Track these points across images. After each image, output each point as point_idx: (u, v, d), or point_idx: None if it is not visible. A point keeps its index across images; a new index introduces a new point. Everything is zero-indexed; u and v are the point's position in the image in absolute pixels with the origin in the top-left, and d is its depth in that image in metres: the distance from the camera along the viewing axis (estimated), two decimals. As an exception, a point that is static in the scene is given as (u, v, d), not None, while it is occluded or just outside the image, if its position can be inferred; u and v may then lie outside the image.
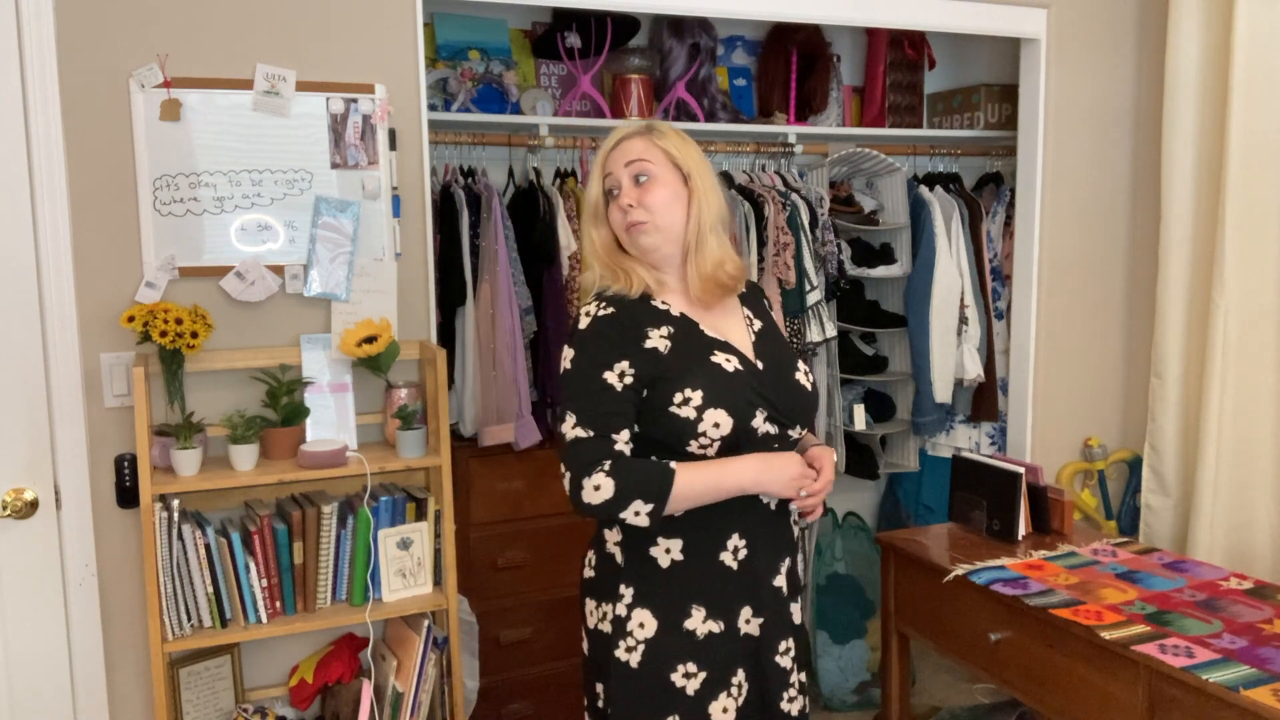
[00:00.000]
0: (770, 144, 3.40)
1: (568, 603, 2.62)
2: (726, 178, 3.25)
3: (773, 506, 1.75)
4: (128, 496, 2.23)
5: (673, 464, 1.64)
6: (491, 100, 3.09)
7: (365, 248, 2.38)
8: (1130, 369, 3.36)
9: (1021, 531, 2.63)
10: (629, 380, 1.67)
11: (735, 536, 1.72)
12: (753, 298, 1.91)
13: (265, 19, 2.28)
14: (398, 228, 2.42)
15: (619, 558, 1.74)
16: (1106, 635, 2.03)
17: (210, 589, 2.15)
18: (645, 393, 1.68)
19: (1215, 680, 1.83)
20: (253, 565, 2.18)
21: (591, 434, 1.64)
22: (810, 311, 3.11)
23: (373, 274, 2.39)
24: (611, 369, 1.67)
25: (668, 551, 1.71)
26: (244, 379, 2.30)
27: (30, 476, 2.17)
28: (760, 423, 1.70)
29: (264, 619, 2.20)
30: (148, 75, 2.20)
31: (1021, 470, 2.63)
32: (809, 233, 3.12)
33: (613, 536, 1.76)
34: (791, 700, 1.78)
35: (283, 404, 2.27)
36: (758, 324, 1.84)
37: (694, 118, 3.28)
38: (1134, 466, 3.35)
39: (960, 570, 2.42)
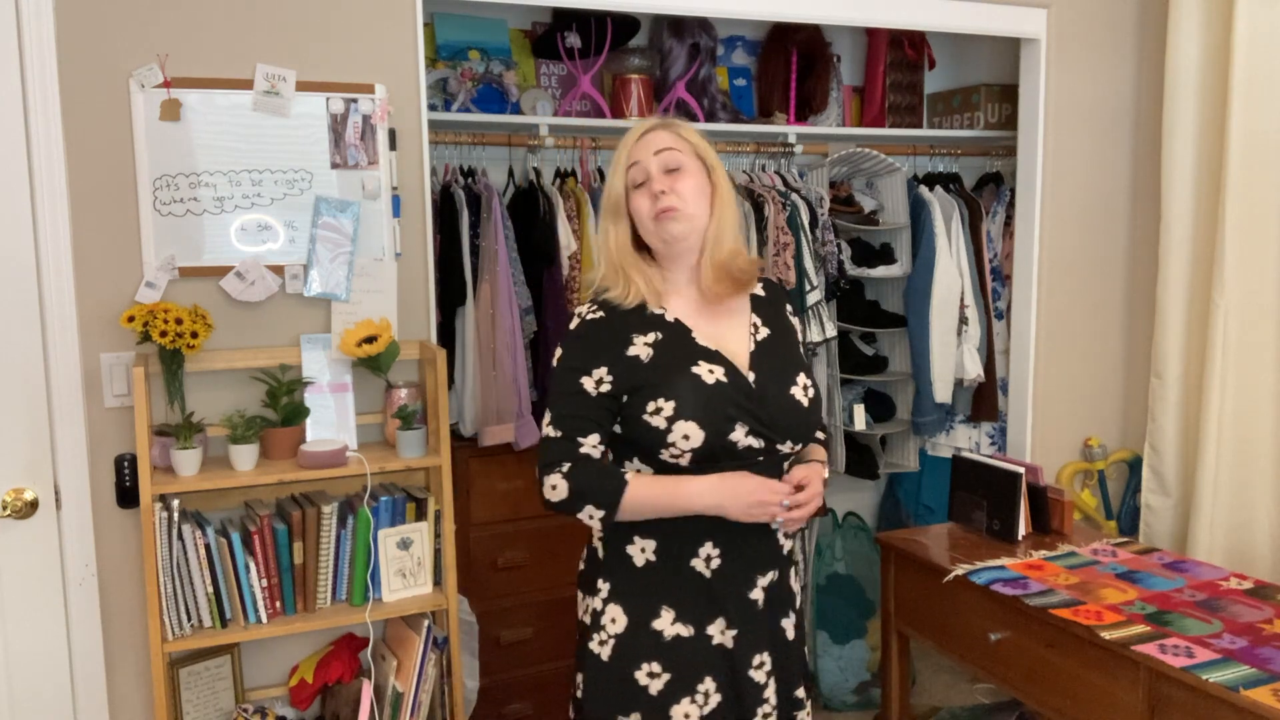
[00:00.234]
0: (770, 144, 3.40)
1: (568, 603, 2.61)
2: (726, 178, 3.25)
3: (793, 529, 1.74)
4: (128, 496, 2.23)
5: (629, 475, 1.68)
6: (491, 100, 3.09)
7: (365, 248, 2.38)
8: (1130, 369, 3.36)
9: (1021, 531, 2.63)
10: (605, 388, 1.69)
11: (709, 545, 1.70)
12: (772, 303, 1.86)
13: (265, 19, 2.28)
14: (398, 228, 2.42)
15: (601, 553, 1.77)
16: (1106, 635, 2.03)
17: (210, 589, 2.15)
18: (626, 398, 1.70)
19: (1215, 680, 1.83)
20: (253, 565, 2.18)
21: (559, 435, 1.69)
22: (810, 311, 3.11)
23: (373, 274, 2.39)
24: (590, 374, 1.70)
25: (643, 551, 1.73)
26: (244, 379, 2.30)
27: (30, 476, 2.17)
28: (741, 436, 1.66)
29: (264, 619, 2.20)
30: (148, 75, 2.20)
31: (1021, 470, 2.63)
32: (809, 233, 3.12)
33: (597, 531, 1.78)
34: (766, 716, 1.75)
35: (283, 404, 2.27)
36: (764, 332, 1.80)
37: (694, 118, 3.28)
38: (1134, 466, 3.35)
39: (960, 570, 2.42)
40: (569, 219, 2.97)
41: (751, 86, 3.62)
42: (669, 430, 1.66)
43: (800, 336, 1.90)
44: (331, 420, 2.34)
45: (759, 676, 1.74)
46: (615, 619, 1.72)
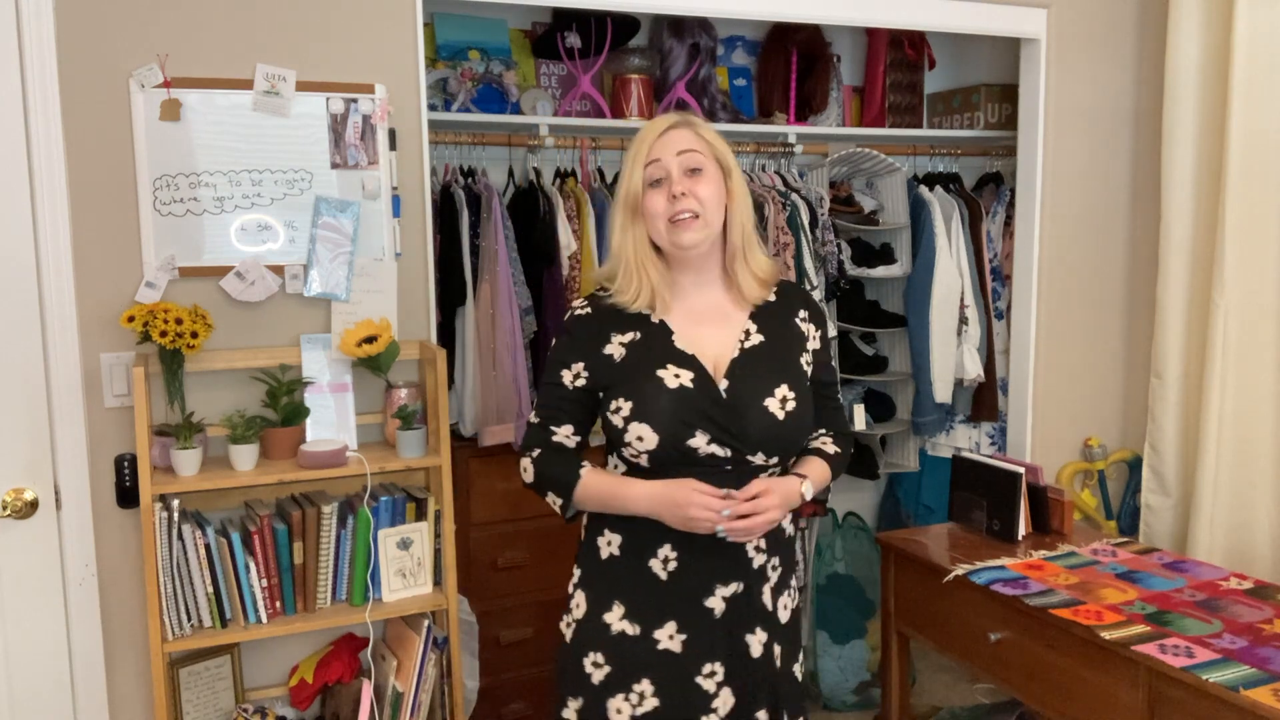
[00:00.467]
0: (770, 144, 3.40)
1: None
2: (726, 178, 3.25)
3: (737, 539, 1.69)
4: (128, 496, 2.23)
5: (584, 470, 1.74)
6: (491, 100, 3.09)
7: (365, 248, 2.38)
8: (1130, 369, 3.36)
9: (1021, 531, 2.63)
10: (580, 382, 1.75)
11: (667, 547, 1.71)
12: (781, 309, 1.82)
13: (265, 19, 2.28)
14: (398, 228, 2.42)
15: (581, 538, 1.82)
16: (1106, 635, 2.03)
17: (210, 589, 2.15)
18: (601, 395, 1.73)
19: (1215, 680, 1.83)
20: (253, 565, 2.18)
21: (537, 421, 1.79)
22: (810, 311, 3.11)
23: (373, 274, 2.39)
24: (569, 368, 1.76)
25: (609, 544, 1.76)
26: (244, 379, 2.30)
27: (30, 476, 2.17)
28: (703, 444, 1.66)
29: (264, 619, 2.20)
30: (148, 75, 2.20)
31: (1021, 470, 2.63)
32: (809, 233, 3.12)
33: (584, 518, 1.82)
34: None
35: (283, 404, 2.27)
36: (755, 339, 1.76)
37: (694, 118, 3.28)
38: (1134, 466, 3.35)
39: (960, 570, 2.42)
40: (569, 219, 2.97)
41: (751, 86, 3.62)
42: (625, 430, 1.68)
43: (817, 343, 1.83)
44: (331, 420, 2.34)
45: (708, 685, 1.71)
46: (579, 604, 1.78)
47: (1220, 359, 2.84)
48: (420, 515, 2.34)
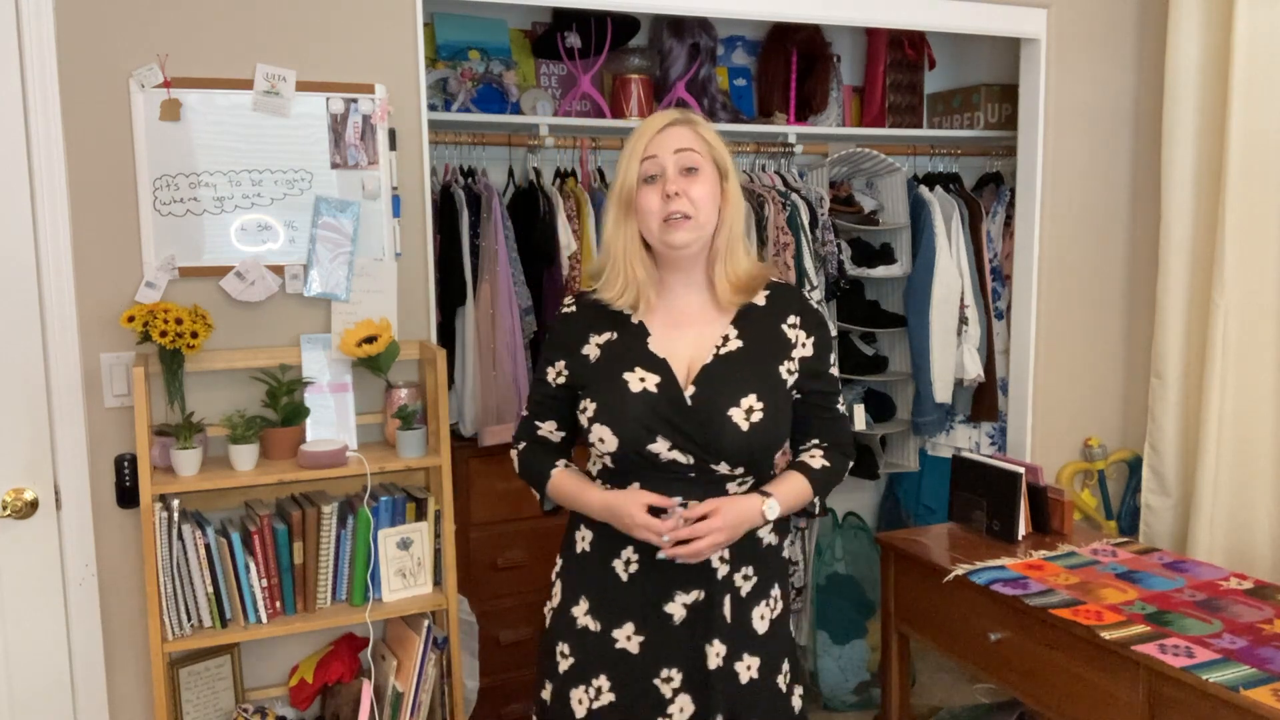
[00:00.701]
0: (770, 144, 3.40)
1: (568, 603, 2.61)
2: (726, 178, 3.25)
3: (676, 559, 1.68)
4: (128, 496, 2.23)
5: (554, 470, 1.80)
6: (491, 100, 3.09)
7: (365, 248, 2.38)
8: (1130, 369, 3.36)
9: (1021, 531, 2.63)
10: (561, 379, 1.78)
11: (629, 549, 1.72)
12: (769, 314, 1.77)
13: (265, 19, 2.28)
14: (398, 228, 2.42)
15: (566, 529, 1.85)
16: (1106, 635, 2.03)
17: (210, 589, 2.15)
18: (579, 392, 1.75)
19: (1215, 680, 1.83)
20: (253, 565, 2.18)
21: (527, 415, 1.86)
22: (810, 311, 3.10)
23: (373, 274, 2.39)
24: (553, 365, 1.79)
25: (583, 539, 1.79)
26: (244, 379, 2.30)
27: (30, 476, 2.17)
28: (663, 449, 1.65)
29: (264, 619, 2.20)
30: (148, 75, 2.20)
31: (1021, 470, 2.63)
32: (809, 233, 3.12)
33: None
34: None
35: (283, 404, 2.27)
36: (733, 345, 1.72)
37: (694, 118, 3.28)
38: (1134, 466, 3.35)
39: (960, 570, 2.42)
40: (569, 219, 2.97)
41: (751, 86, 3.62)
42: (589, 430, 1.70)
43: (808, 350, 1.77)
44: (331, 420, 2.34)
45: (664, 690, 1.71)
46: (556, 594, 1.83)
47: (1220, 359, 2.84)
48: (420, 515, 2.34)
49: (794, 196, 3.13)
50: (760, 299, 1.79)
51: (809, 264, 3.10)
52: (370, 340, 2.28)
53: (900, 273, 3.42)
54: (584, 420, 1.71)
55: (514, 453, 1.88)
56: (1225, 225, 2.81)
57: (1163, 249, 3.02)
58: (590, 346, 1.75)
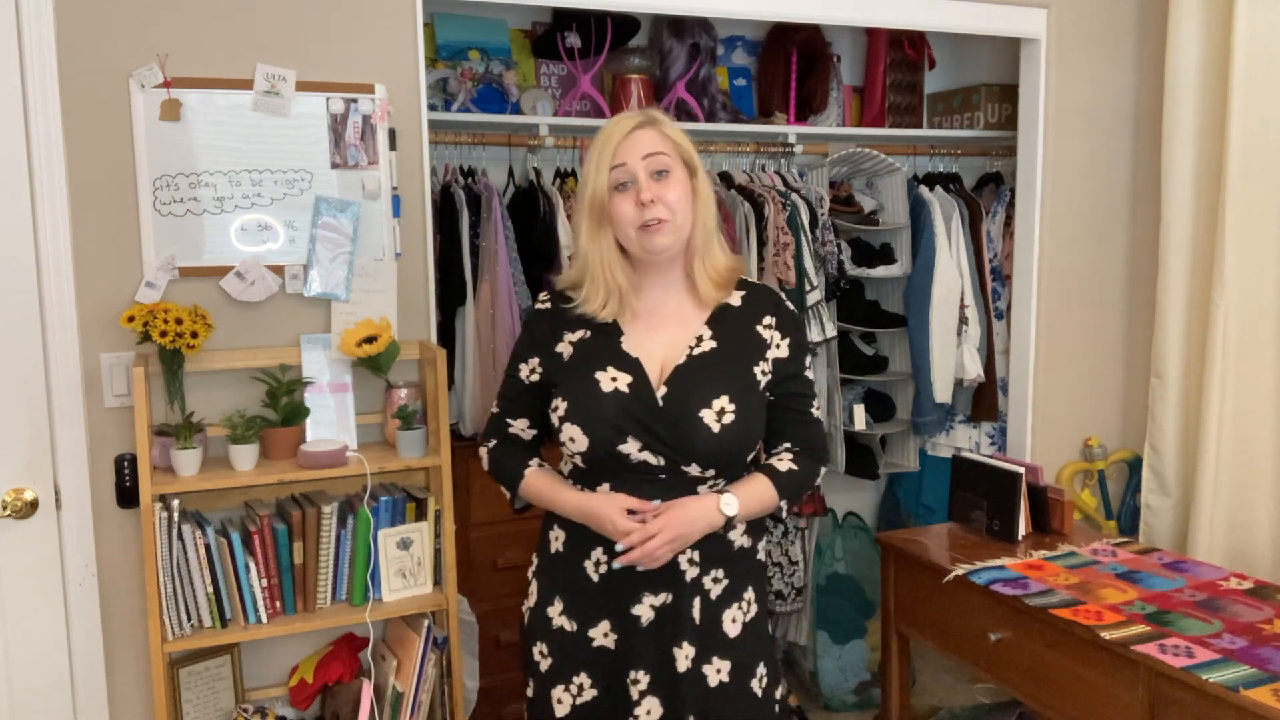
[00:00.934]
0: (770, 144, 3.40)
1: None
2: (726, 178, 3.25)
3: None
4: (128, 496, 2.23)
5: (528, 469, 1.80)
6: (491, 100, 3.09)
7: (365, 248, 2.38)
8: (1130, 369, 3.36)
9: (1021, 531, 2.63)
10: (535, 377, 1.78)
11: (599, 550, 1.71)
12: (745, 314, 1.77)
13: (265, 19, 2.28)
14: (398, 228, 2.42)
15: (541, 528, 1.85)
16: (1106, 635, 2.03)
17: (210, 589, 2.15)
18: (552, 390, 1.74)
19: (1215, 680, 1.83)
20: (253, 565, 2.18)
21: (497, 412, 1.85)
22: (810, 311, 3.11)
23: (373, 274, 2.39)
24: (526, 362, 1.79)
25: (557, 539, 1.78)
26: (244, 379, 2.30)
27: (30, 476, 2.17)
28: (633, 450, 1.65)
29: (264, 619, 2.20)
30: (148, 75, 2.20)
31: (1021, 470, 2.63)
32: (809, 233, 3.12)
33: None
34: None
35: (283, 404, 2.27)
36: (708, 345, 1.72)
37: (694, 118, 3.28)
38: (1134, 466, 3.35)
39: (960, 570, 2.42)
40: (569, 219, 2.97)
41: (751, 86, 3.62)
42: (560, 429, 1.69)
43: (783, 351, 1.76)
44: (331, 420, 2.34)
45: (632, 691, 1.70)
46: (532, 593, 1.83)
47: (1220, 359, 2.84)
48: (420, 515, 2.34)
49: (794, 196, 3.13)
50: (735, 299, 1.78)
51: (809, 264, 3.10)
52: (370, 340, 2.28)
53: (900, 273, 3.42)
54: (555, 419, 1.71)
55: (484, 450, 1.86)
56: (1225, 225, 2.81)
57: (1163, 249, 3.02)
58: (564, 344, 1.74)
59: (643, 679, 1.70)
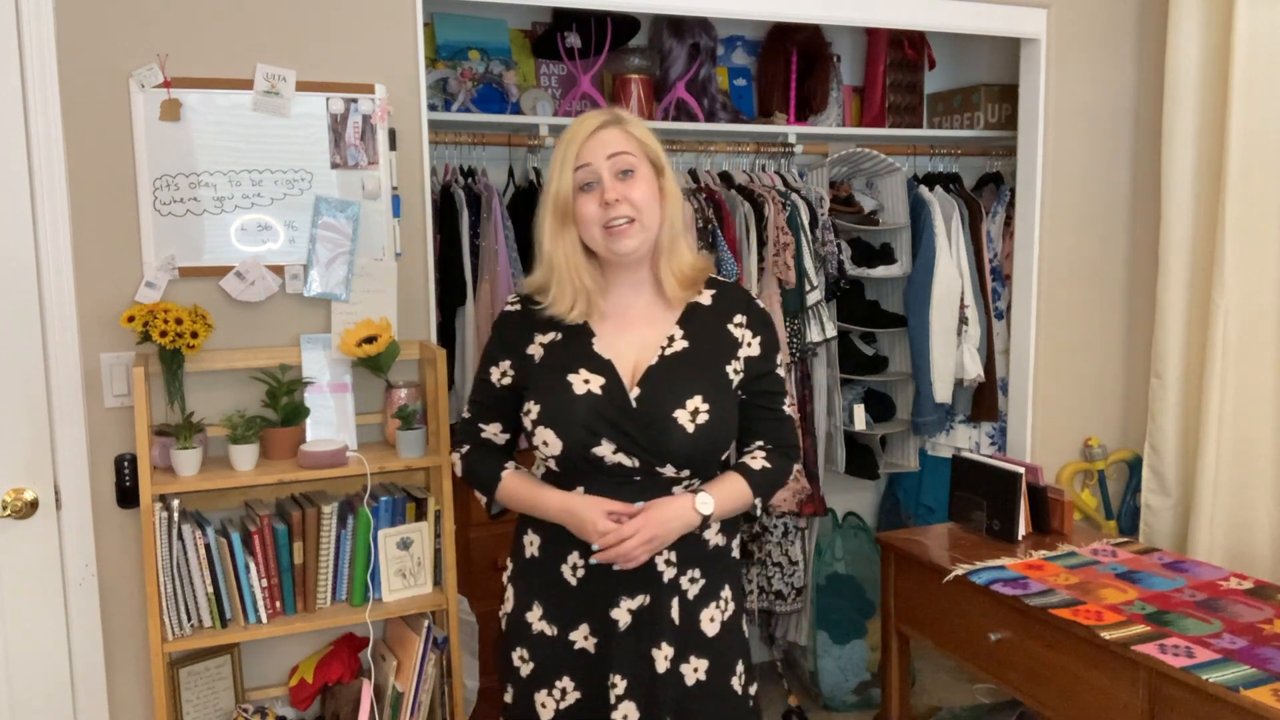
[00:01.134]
0: (770, 144, 3.40)
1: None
2: (726, 178, 3.25)
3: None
4: (128, 496, 2.23)
5: (505, 472, 1.77)
6: (491, 100, 3.09)
7: (365, 248, 2.38)
8: (1130, 369, 3.36)
9: (1021, 531, 2.63)
10: (507, 380, 1.76)
11: (576, 554, 1.71)
12: (716, 313, 1.76)
13: (265, 19, 2.28)
14: (398, 228, 2.42)
15: (514, 533, 1.83)
16: (1106, 635, 2.03)
17: (210, 589, 2.15)
18: (523, 393, 1.73)
19: (1215, 680, 1.83)
20: (253, 565, 2.18)
21: (468, 417, 1.83)
22: (810, 311, 3.11)
23: (373, 274, 2.39)
24: (497, 365, 1.77)
25: (531, 544, 1.77)
26: (244, 379, 2.30)
27: (30, 476, 2.17)
28: (608, 452, 1.64)
29: (264, 619, 2.20)
30: (148, 75, 2.20)
31: (1021, 470, 2.63)
32: (809, 233, 3.12)
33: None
34: None
35: (283, 404, 2.27)
36: (679, 345, 1.71)
37: (694, 118, 3.28)
38: (1134, 466, 3.35)
39: (960, 570, 2.42)
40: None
41: (751, 86, 3.62)
42: (534, 433, 1.68)
43: (754, 350, 1.76)
44: (331, 420, 2.34)
45: (609, 696, 1.70)
46: (509, 599, 1.81)
47: (1220, 359, 2.84)
48: (420, 515, 2.34)
49: (794, 196, 3.13)
50: (706, 298, 1.77)
51: (809, 264, 3.10)
52: (370, 340, 2.28)
53: (900, 273, 3.42)
54: (527, 423, 1.69)
55: (455, 456, 1.83)
56: (1225, 225, 2.81)
57: (1163, 249, 3.02)
58: (534, 346, 1.73)
59: (620, 683, 1.69)
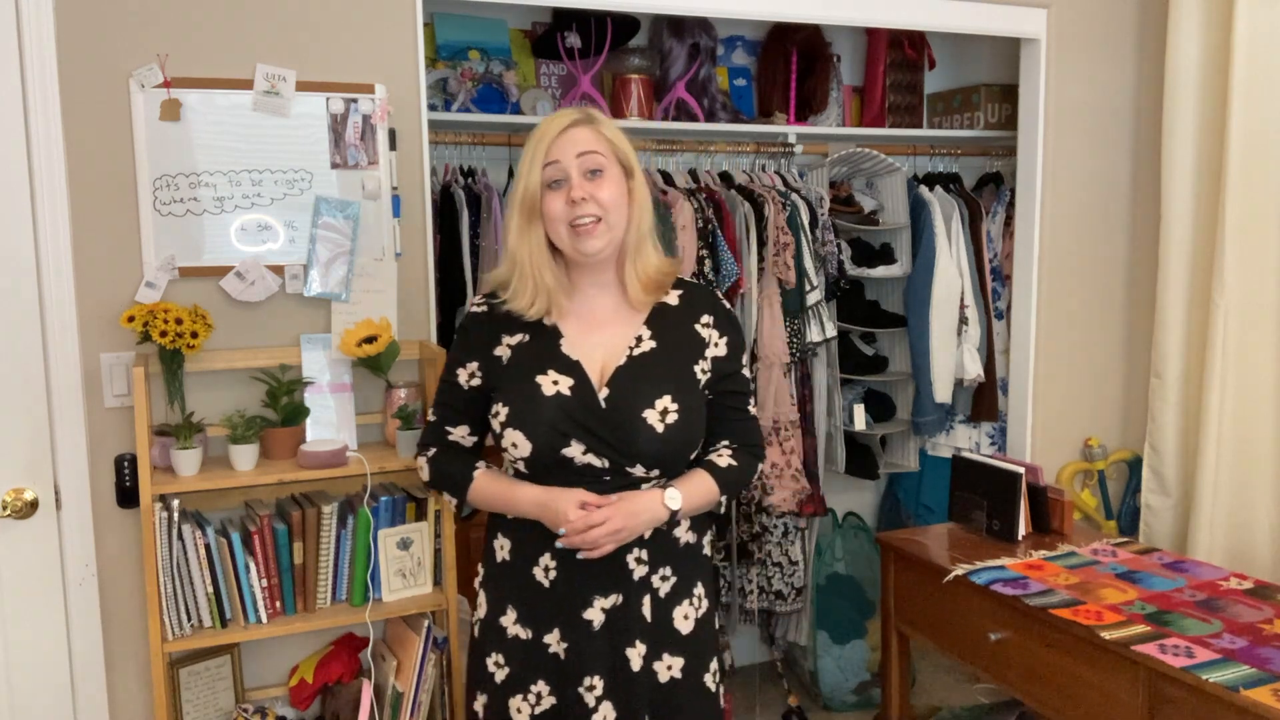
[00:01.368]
0: (770, 144, 3.40)
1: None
2: (726, 178, 3.25)
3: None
4: (128, 496, 2.23)
5: (477, 471, 1.76)
6: (491, 100, 3.09)
7: (365, 248, 2.38)
8: (1130, 369, 3.36)
9: (1021, 531, 2.63)
10: (475, 382, 1.75)
11: (547, 556, 1.70)
12: (683, 313, 1.76)
13: (265, 19, 2.28)
14: (398, 228, 2.42)
15: (485, 538, 1.82)
16: (1106, 635, 2.03)
17: (210, 589, 2.15)
18: (491, 395, 1.72)
19: (1215, 680, 1.83)
20: (253, 565, 2.18)
21: (434, 420, 1.82)
22: (810, 311, 3.11)
23: (373, 274, 2.39)
24: (464, 367, 1.76)
25: (502, 548, 1.77)
26: (244, 379, 2.30)
27: (30, 476, 2.17)
28: (578, 453, 1.64)
29: (264, 619, 2.20)
30: (148, 75, 2.20)
31: (1021, 470, 2.63)
32: (809, 233, 3.12)
33: (486, 517, 1.82)
34: None
35: (283, 404, 2.27)
36: (647, 346, 1.71)
37: (694, 118, 3.28)
38: (1134, 466, 3.35)
39: (960, 570, 2.42)
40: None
41: (751, 86, 3.62)
42: (502, 435, 1.67)
43: (721, 350, 1.77)
44: (331, 420, 2.34)
45: (589, 698, 1.69)
46: (481, 604, 1.80)
47: (1220, 359, 2.84)
48: (420, 515, 2.34)
49: (794, 196, 3.14)
50: (673, 298, 1.78)
51: (809, 264, 3.10)
52: (370, 340, 2.28)
53: (900, 273, 3.43)
54: (496, 425, 1.69)
55: (423, 460, 1.81)
56: (1225, 225, 2.81)
57: (1163, 249, 3.02)
58: (502, 347, 1.73)
59: (598, 684, 1.69)
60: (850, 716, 3.36)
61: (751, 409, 1.84)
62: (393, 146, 2.40)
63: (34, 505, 2.17)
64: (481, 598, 1.80)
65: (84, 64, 2.16)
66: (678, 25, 3.30)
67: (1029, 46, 3.17)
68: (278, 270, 2.32)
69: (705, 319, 1.78)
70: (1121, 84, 3.25)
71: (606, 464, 1.65)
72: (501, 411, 1.67)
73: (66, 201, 2.16)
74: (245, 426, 2.18)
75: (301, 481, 2.31)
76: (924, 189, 3.45)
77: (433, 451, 1.81)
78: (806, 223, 3.12)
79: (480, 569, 1.83)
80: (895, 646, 2.76)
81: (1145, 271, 3.23)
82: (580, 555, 1.66)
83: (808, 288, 3.09)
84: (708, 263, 2.94)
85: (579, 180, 1.64)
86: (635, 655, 1.69)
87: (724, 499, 1.78)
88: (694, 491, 1.72)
